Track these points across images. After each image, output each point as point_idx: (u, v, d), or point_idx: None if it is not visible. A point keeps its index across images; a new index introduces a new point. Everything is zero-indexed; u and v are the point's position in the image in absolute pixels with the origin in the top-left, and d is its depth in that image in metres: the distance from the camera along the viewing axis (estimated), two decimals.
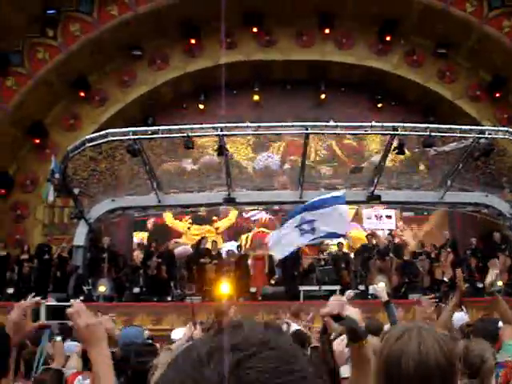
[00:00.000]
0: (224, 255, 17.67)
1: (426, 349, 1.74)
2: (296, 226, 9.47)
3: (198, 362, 0.86)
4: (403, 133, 14.37)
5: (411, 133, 14.66)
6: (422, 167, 17.90)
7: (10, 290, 15.42)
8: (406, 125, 14.59)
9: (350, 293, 6.80)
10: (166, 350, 5.02)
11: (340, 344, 3.94)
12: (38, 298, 2.79)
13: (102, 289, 15.42)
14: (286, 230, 9.59)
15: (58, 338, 4.97)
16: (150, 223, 21.05)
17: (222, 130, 14.29)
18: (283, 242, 9.75)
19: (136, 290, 15.94)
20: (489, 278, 5.81)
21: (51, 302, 2.91)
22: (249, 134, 16.28)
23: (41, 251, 17.03)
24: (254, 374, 0.83)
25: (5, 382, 2.56)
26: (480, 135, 14.57)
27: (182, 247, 19.91)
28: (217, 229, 20.94)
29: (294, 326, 8.09)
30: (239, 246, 19.39)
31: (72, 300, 2.49)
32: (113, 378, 2.30)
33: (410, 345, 1.77)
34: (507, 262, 16.07)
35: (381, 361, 1.80)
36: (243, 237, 20.86)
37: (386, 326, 5.36)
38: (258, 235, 20.47)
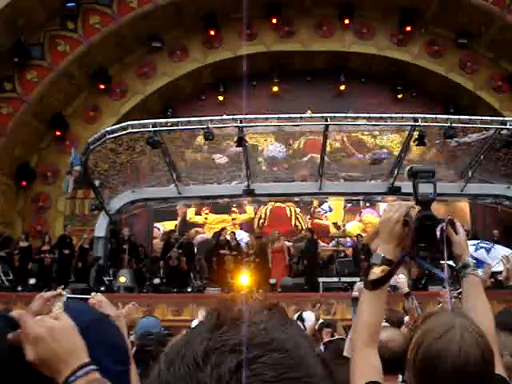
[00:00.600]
0: (243, 246, 17.68)
1: (465, 354, 1.69)
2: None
3: (193, 364, 0.80)
4: (424, 124, 14.26)
5: (432, 124, 14.55)
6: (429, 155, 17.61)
7: (32, 281, 15.58)
8: (426, 116, 14.49)
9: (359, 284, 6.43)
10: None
11: None
12: (59, 290, 2.81)
13: (122, 279, 15.53)
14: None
15: None
16: (180, 209, 20.95)
17: (241, 122, 14.29)
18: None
19: (156, 280, 16.04)
20: (503, 273, 5.79)
21: (67, 294, 2.93)
22: (268, 126, 16.25)
23: (62, 242, 17.21)
24: (254, 381, 0.77)
25: None
26: (501, 126, 14.40)
27: (200, 236, 19.95)
28: (234, 219, 20.92)
29: (309, 318, 8.05)
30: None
31: (93, 293, 2.51)
32: (134, 370, 2.32)
33: (450, 347, 1.71)
34: None
35: (417, 358, 1.76)
36: (262, 209, 20.83)
37: (406, 318, 5.35)
38: (276, 210, 20.36)
